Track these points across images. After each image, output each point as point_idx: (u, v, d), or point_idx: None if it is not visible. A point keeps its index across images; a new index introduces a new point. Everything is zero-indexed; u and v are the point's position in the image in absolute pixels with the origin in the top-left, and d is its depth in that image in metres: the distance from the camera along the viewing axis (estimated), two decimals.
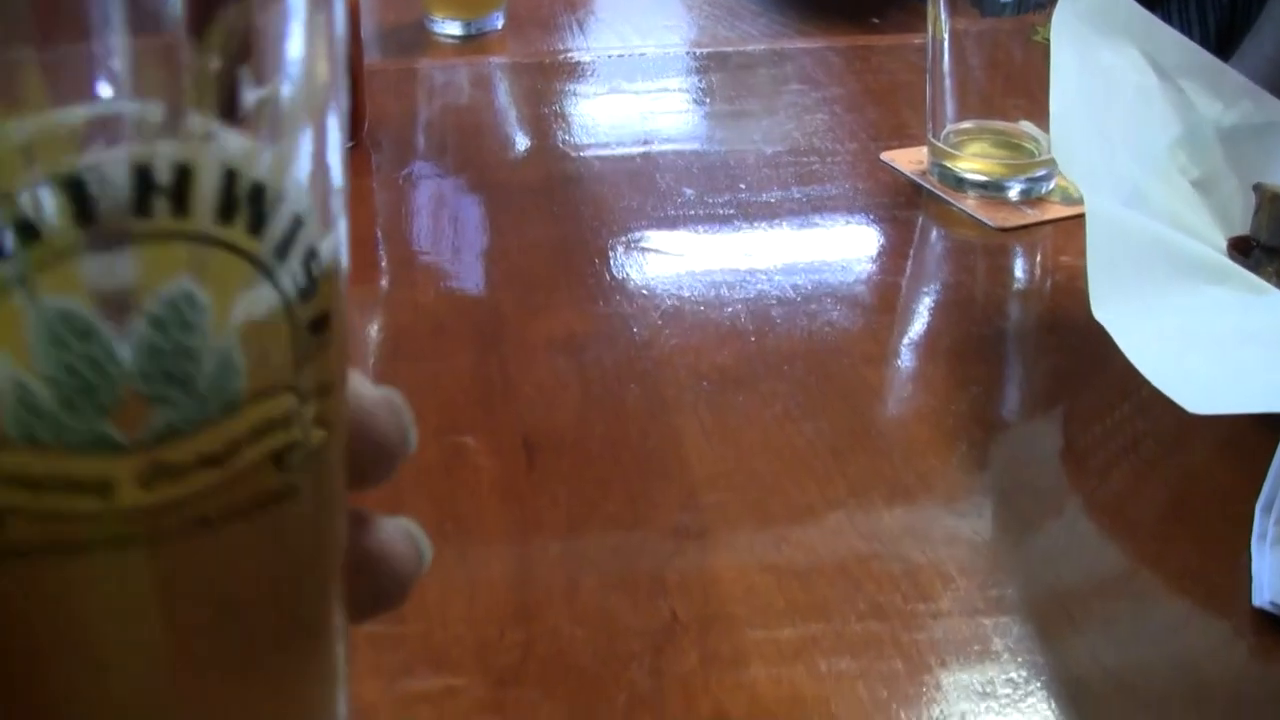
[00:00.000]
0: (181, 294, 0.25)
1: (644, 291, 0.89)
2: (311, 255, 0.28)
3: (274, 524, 0.29)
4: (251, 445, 0.27)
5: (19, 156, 0.24)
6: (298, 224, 0.27)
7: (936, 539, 0.68)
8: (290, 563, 0.30)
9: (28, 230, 0.24)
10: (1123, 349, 0.71)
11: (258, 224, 0.26)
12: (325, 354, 0.29)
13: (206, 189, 0.25)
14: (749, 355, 0.82)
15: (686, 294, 0.89)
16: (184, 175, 0.25)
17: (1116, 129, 0.88)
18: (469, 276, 0.93)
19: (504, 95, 1.25)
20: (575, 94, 1.24)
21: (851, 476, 0.72)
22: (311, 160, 0.28)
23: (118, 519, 0.26)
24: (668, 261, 0.94)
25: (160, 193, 0.25)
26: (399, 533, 0.36)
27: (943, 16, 1.00)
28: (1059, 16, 0.87)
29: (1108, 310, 0.73)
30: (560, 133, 1.14)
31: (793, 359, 0.82)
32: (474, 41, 1.36)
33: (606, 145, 1.12)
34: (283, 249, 0.27)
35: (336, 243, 0.30)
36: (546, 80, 1.25)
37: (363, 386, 0.35)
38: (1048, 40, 0.89)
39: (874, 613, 0.63)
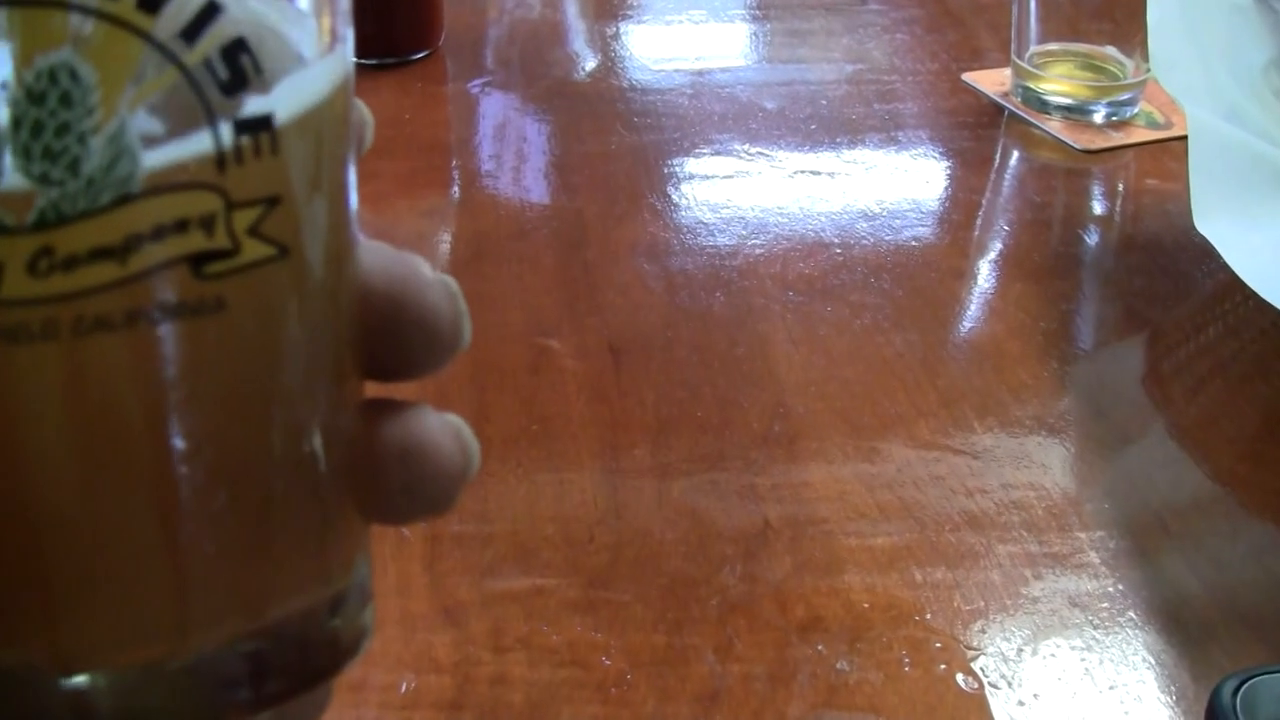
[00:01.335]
0: (61, 65, 0.24)
1: (727, 203, 0.88)
2: (239, 46, 0.26)
3: (194, 340, 0.27)
4: (157, 243, 0.26)
5: None
6: (212, 9, 0.25)
7: (1030, 453, 0.67)
8: (223, 389, 0.28)
9: None
10: (1228, 261, 0.70)
11: (151, 1, 0.25)
12: (271, 161, 0.27)
13: None
14: (835, 267, 0.81)
15: (769, 205, 0.88)
16: None
17: (1212, 47, 0.86)
18: (550, 183, 0.92)
19: (576, 10, 1.23)
20: (651, 10, 1.22)
21: (942, 388, 0.71)
22: None
23: (8, 308, 0.25)
24: (750, 173, 0.92)
25: None
26: (443, 428, 0.33)
27: None
28: None
29: (1211, 223, 0.71)
30: (638, 46, 1.13)
31: (879, 271, 0.81)
32: None
33: (685, 59, 1.11)
34: (190, 33, 0.25)
35: (305, 52, 0.28)
36: None
37: (419, 265, 0.33)
38: None
39: (968, 524, 0.62)
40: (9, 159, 0.25)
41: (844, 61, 1.10)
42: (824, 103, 1.02)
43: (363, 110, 0.35)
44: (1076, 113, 1.00)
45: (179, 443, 0.28)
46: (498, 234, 0.85)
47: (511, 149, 0.96)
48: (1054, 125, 0.99)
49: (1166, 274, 0.81)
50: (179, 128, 0.26)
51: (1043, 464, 0.66)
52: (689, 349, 0.74)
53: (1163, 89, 0.83)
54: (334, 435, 0.31)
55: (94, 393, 0.27)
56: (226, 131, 0.26)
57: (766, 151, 0.95)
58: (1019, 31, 1.02)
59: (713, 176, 0.92)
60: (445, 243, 0.86)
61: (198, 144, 0.26)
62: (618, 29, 1.16)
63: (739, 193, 0.90)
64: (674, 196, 0.89)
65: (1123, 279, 0.83)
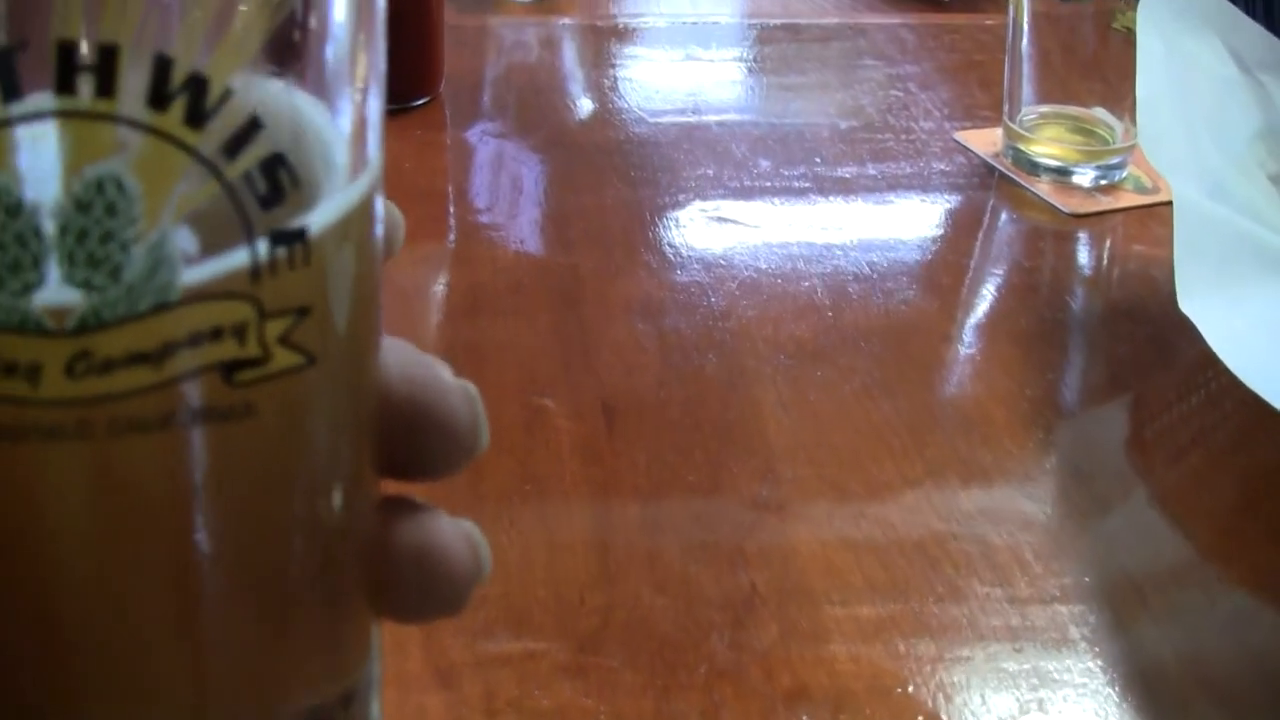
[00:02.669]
0: (108, 176, 0.25)
1: (721, 261, 0.89)
2: (278, 161, 0.27)
3: (222, 443, 0.28)
4: (191, 350, 0.27)
5: None
6: (254, 125, 0.26)
7: (1013, 522, 0.68)
8: (248, 491, 0.29)
9: None
10: (1210, 343, 0.71)
11: (197, 116, 0.26)
12: (303, 272, 0.28)
13: (135, 73, 0.25)
14: (826, 329, 0.82)
15: (763, 265, 0.89)
16: (109, 56, 0.25)
17: (1200, 120, 0.87)
18: (547, 235, 0.93)
19: (574, 57, 1.25)
20: (648, 59, 1.23)
21: (929, 456, 0.72)
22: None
23: (45, 407, 0.26)
24: (744, 232, 0.94)
25: (84, 71, 0.24)
26: (457, 532, 0.35)
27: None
28: (1146, 4, 0.87)
29: (1194, 302, 0.73)
30: (634, 97, 1.14)
31: (870, 335, 0.82)
32: (545, 2, 1.35)
33: (681, 112, 1.12)
34: (232, 147, 0.26)
35: (338, 165, 0.29)
36: (620, 44, 1.25)
37: (440, 370, 0.34)
38: (1126, 29, 0.89)
39: (951, 595, 0.64)
40: (54, 265, 0.25)
41: (838, 118, 1.11)
42: (818, 161, 1.03)
43: (394, 213, 0.36)
44: (1066, 175, 1.01)
45: (204, 542, 0.29)
46: (495, 286, 0.86)
47: (508, 199, 0.98)
48: (1043, 188, 1.00)
49: (1152, 342, 0.82)
50: (217, 239, 0.27)
51: (1026, 536, 0.67)
52: (681, 410, 0.75)
53: None
54: (353, 536, 0.32)
55: (124, 492, 0.28)
56: (262, 244, 0.27)
57: (760, 210, 0.96)
58: (1010, 94, 1.03)
59: (707, 234, 0.93)
60: (441, 292, 0.87)
61: (234, 255, 0.27)
62: (615, 78, 1.17)
63: (733, 252, 0.91)
64: (668, 254, 0.90)
65: (1108, 345, 0.84)
